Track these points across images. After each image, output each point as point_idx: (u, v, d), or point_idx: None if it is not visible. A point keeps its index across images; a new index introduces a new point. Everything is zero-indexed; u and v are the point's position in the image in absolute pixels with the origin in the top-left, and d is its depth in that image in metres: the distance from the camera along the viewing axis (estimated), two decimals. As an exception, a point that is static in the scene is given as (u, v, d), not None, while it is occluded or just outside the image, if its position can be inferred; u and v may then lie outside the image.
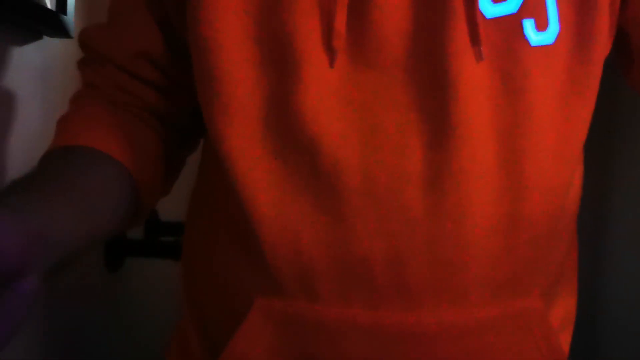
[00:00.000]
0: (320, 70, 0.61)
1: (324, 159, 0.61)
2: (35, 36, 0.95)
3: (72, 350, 1.10)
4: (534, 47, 0.61)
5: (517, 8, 0.61)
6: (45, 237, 0.54)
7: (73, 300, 1.09)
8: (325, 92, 0.61)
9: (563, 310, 0.72)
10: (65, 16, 0.99)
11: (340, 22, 0.60)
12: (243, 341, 0.67)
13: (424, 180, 0.61)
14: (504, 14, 0.61)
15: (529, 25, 0.61)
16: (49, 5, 0.97)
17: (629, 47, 0.67)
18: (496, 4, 0.60)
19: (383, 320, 0.63)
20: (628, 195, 1.97)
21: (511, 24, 0.61)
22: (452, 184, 0.61)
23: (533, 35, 0.61)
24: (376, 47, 0.60)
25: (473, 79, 0.60)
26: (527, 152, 0.62)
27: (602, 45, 0.64)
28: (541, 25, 0.61)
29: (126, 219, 0.70)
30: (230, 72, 0.63)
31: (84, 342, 1.15)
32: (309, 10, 0.61)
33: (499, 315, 0.65)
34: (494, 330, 0.65)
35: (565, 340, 0.72)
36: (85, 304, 1.14)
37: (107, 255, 1.22)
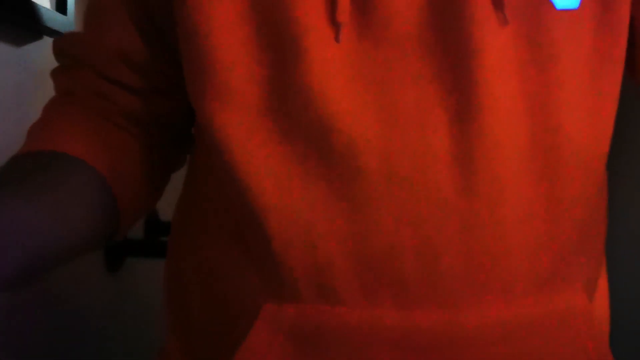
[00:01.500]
0: (325, 46, 0.56)
1: (336, 139, 0.55)
2: (35, 36, 0.95)
3: (72, 350, 1.10)
4: (559, 11, 0.56)
5: None
6: (6, 241, 0.51)
7: (73, 300, 1.09)
8: (332, 68, 0.56)
9: (604, 308, 0.66)
10: (65, 16, 0.99)
11: None
12: (248, 357, 0.58)
13: (452, 157, 0.55)
14: None
15: None
16: (49, 6, 0.97)
17: (633, 35, 0.63)
18: None
19: (415, 321, 0.56)
20: (628, 195, 1.97)
21: None
22: (483, 161, 0.55)
23: None
24: (386, 21, 0.56)
25: (498, 46, 0.55)
26: (561, 125, 0.57)
27: (624, 17, 0.60)
28: None
29: (103, 227, 0.64)
30: (224, 56, 0.58)
31: (84, 342, 1.15)
32: None
33: (544, 313, 0.58)
34: (539, 330, 0.58)
35: (607, 341, 0.65)
36: (85, 304, 1.14)
37: (107, 255, 1.22)
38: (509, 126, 0.55)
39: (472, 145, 0.55)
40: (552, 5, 0.56)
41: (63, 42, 0.70)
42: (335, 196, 0.56)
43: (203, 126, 0.60)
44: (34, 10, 0.91)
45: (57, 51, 0.70)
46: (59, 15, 0.98)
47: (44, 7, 0.95)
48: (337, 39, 0.56)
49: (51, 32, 0.94)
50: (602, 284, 0.67)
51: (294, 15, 0.56)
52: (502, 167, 0.55)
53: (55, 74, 0.71)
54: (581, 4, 0.57)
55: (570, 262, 0.59)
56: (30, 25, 0.92)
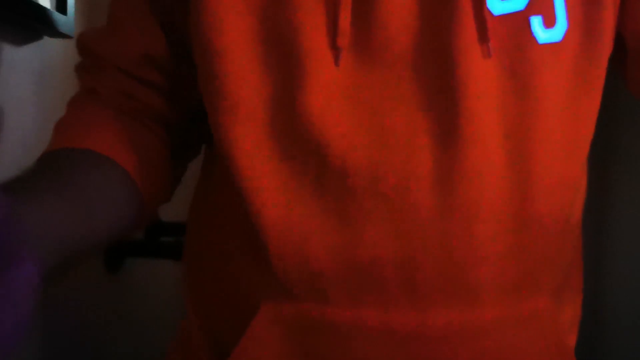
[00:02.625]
0: (326, 69, 0.60)
1: (331, 160, 0.61)
2: (35, 36, 0.95)
3: (73, 350, 1.10)
4: (541, 44, 0.60)
5: (524, 5, 0.60)
6: (38, 233, 0.52)
7: (73, 301, 1.09)
8: (332, 91, 0.60)
9: (571, 311, 0.71)
10: (65, 16, 0.99)
11: (345, 19, 0.60)
12: (250, 346, 0.65)
13: (434, 179, 0.60)
14: (511, 11, 0.60)
15: (536, 23, 0.60)
16: (49, 6, 0.97)
17: (627, 46, 0.67)
18: (504, 1, 0.60)
19: (393, 321, 0.63)
20: (628, 195, 1.97)
21: (519, 21, 0.60)
22: (462, 184, 0.60)
23: (541, 32, 0.60)
24: (382, 44, 0.60)
25: (481, 76, 0.59)
26: (535, 150, 0.61)
27: (608, 42, 0.63)
28: (549, 23, 0.61)
29: (127, 224, 0.68)
30: (235, 73, 0.62)
31: (85, 342, 1.15)
32: (313, 7, 0.60)
33: (510, 316, 0.64)
34: (504, 331, 0.64)
35: (572, 342, 0.71)
36: (85, 304, 1.14)
37: (107, 255, 1.22)
38: (487, 153, 0.60)
39: (451, 169, 0.60)
40: (533, 40, 0.60)
41: (87, 38, 0.73)
42: (327, 212, 0.61)
43: (215, 136, 0.64)
44: (34, 10, 0.91)
45: (82, 47, 0.73)
46: (59, 15, 0.98)
47: (44, 7, 0.95)
48: (336, 63, 0.60)
49: (51, 32, 0.94)
50: (571, 288, 0.71)
51: (298, 38, 0.60)
52: (478, 189, 0.60)
53: (79, 70, 0.74)
54: (565, 35, 0.61)
55: (536, 272, 0.64)
56: (30, 25, 0.92)
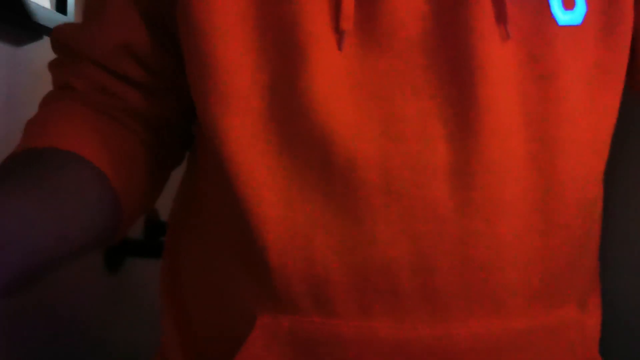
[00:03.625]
0: (328, 54, 0.55)
1: (337, 151, 0.55)
2: (35, 36, 0.95)
3: (72, 350, 1.10)
4: (561, 27, 0.56)
5: None
6: (6, 241, 0.49)
7: (73, 300, 1.09)
8: (335, 77, 0.55)
9: (596, 318, 0.66)
10: (65, 16, 0.99)
11: (349, 1, 0.55)
12: None
13: (451, 173, 0.55)
14: None
15: (555, 4, 0.56)
16: (48, 6, 0.97)
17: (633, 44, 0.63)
18: None
19: (408, 333, 0.56)
20: (628, 196, 1.97)
21: (537, 2, 0.56)
22: (481, 178, 0.55)
23: (560, 14, 0.56)
24: (390, 29, 0.55)
25: (500, 61, 0.55)
26: (558, 142, 0.57)
27: (628, 28, 0.60)
28: (568, 4, 0.57)
29: (105, 227, 0.63)
30: (228, 58, 0.57)
31: (84, 342, 1.15)
32: None
33: (536, 327, 0.59)
34: (530, 344, 0.59)
35: (597, 351, 0.66)
36: (85, 304, 1.14)
37: (107, 255, 1.22)
38: (507, 142, 0.55)
39: (470, 161, 0.55)
40: (552, 21, 0.56)
41: (60, 33, 0.68)
42: (334, 209, 0.56)
43: (205, 128, 0.59)
44: (34, 10, 0.91)
45: (55, 43, 0.68)
46: (59, 15, 0.98)
47: (44, 7, 0.95)
48: (339, 48, 0.55)
49: (51, 32, 0.94)
50: (595, 293, 0.67)
51: (298, 21, 0.55)
52: (499, 183, 0.55)
53: (53, 66, 0.69)
54: (585, 18, 0.57)
55: (563, 277, 0.59)
56: (30, 25, 0.92)
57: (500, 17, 0.55)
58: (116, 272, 1.24)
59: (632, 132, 1.92)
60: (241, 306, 0.60)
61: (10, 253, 0.50)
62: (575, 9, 0.57)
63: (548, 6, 0.56)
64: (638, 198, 1.94)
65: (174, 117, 0.69)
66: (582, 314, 0.62)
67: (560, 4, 0.56)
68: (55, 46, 0.69)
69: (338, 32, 0.55)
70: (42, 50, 0.95)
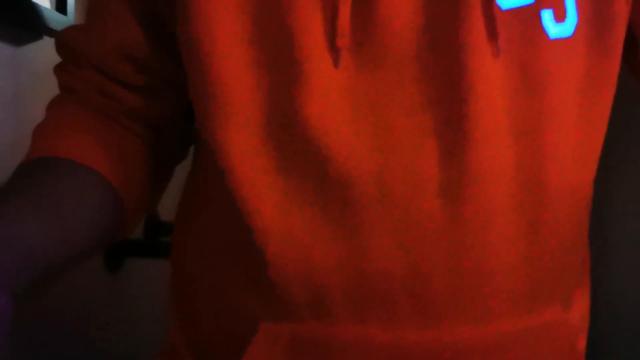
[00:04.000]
0: (325, 72, 0.56)
1: (334, 167, 0.57)
2: (35, 36, 0.95)
3: (72, 350, 1.10)
4: (552, 40, 0.57)
5: None
6: (13, 251, 0.51)
7: (73, 300, 1.09)
8: (332, 94, 0.57)
9: (580, 311, 0.68)
10: (65, 16, 0.99)
11: (344, 18, 0.56)
12: None
13: (442, 187, 0.57)
14: (521, 5, 0.57)
15: (547, 17, 0.57)
16: (49, 5, 0.97)
17: (635, 34, 0.64)
18: None
19: (402, 338, 0.59)
20: (628, 196, 1.97)
21: (529, 16, 0.57)
22: (471, 191, 0.57)
23: (552, 27, 0.57)
24: (385, 43, 0.56)
25: (491, 76, 0.56)
26: (547, 154, 0.58)
27: (620, 37, 0.60)
28: (559, 16, 0.57)
29: (109, 231, 0.65)
30: (227, 76, 0.58)
31: (84, 342, 1.15)
32: (310, 5, 0.56)
33: (522, 329, 0.61)
34: (518, 345, 0.61)
35: (582, 344, 0.69)
36: (85, 304, 1.14)
37: (107, 255, 1.22)
38: (497, 158, 0.57)
39: (460, 175, 0.57)
40: (544, 35, 0.57)
41: (65, 36, 0.69)
42: (331, 222, 0.58)
43: (205, 140, 0.60)
44: (34, 10, 0.91)
45: (59, 45, 0.70)
46: (59, 15, 0.98)
47: (44, 7, 0.95)
48: (336, 65, 0.56)
49: (51, 32, 0.94)
50: (581, 287, 0.68)
51: (294, 38, 0.56)
52: (489, 197, 0.57)
53: (58, 69, 0.70)
54: (575, 31, 0.58)
55: (550, 280, 0.61)
56: (30, 25, 0.92)
57: (492, 33, 0.56)
58: (116, 272, 1.24)
59: (632, 132, 1.92)
60: (244, 310, 0.61)
61: (21, 266, 0.52)
62: (566, 21, 0.57)
63: (539, 19, 0.57)
64: (638, 198, 1.94)
65: (174, 117, 0.70)
66: (566, 312, 0.64)
67: (552, 16, 0.57)
68: (59, 49, 0.70)
69: (334, 49, 0.56)
70: (42, 50, 0.95)
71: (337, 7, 0.56)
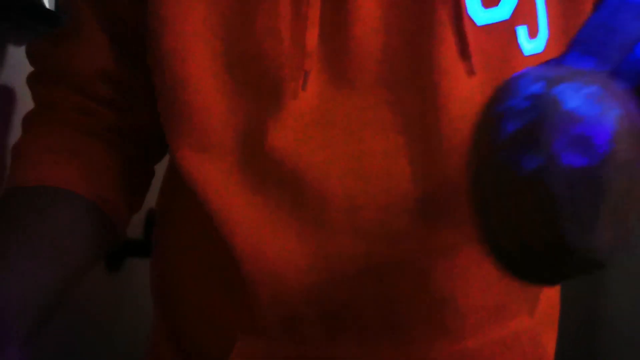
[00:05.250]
0: (295, 95, 0.56)
1: (307, 192, 0.57)
2: (35, 36, 0.95)
3: (72, 350, 1.10)
4: (527, 56, 0.57)
5: (509, 14, 0.56)
6: (10, 306, 0.52)
7: (73, 300, 1.09)
8: (304, 117, 0.57)
9: (545, 309, 0.68)
10: (65, 16, 0.99)
11: (312, 40, 0.55)
12: None
13: (415, 211, 0.57)
14: (496, 21, 0.56)
15: (522, 33, 0.57)
16: (48, 5, 0.97)
17: None
18: (488, 9, 0.56)
19: (373, 356, 0.60)
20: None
21: (504, 32, 0.57)
22: (444, 215, 0.57)
23: (526, 43, 0.57)
24: (355, 65, 0.56)
25: (465, 95, 0.56)
26: None
27: None
28: (533, 32, 0.57)
29: (103, 247, 0.67)
30: (201, 103, 0.58)
31: (84, 341, 1.15)
32: (278, 29, 0.56)
33: (491, 342, 0.63)
34: (487, 354, 0.63)
35: (551, 342, 0.69)
36: (85, 304, 1.14)
37: (107, 255, 1.22)
38: None
39: (433, 200, 0.57)
40: (519, 52, 0.57)
41: (39, 50, 0.69)
42: (303, 248, 0.58)
43: (179, 166, 0.60)
44: (34, 10, 0.91)
45: (34, 58, 0.70)
46: (59, 15, 0.98)
47: (44, 7, 0.95)
48: (304, 88, 0.56)
49: (51, 32, 0.94)
50: (547, 292, 0.69)
51: (263, 63, 0.56)
52: (463, 221, 0.56)
53: (32, 81, 0.70)
54: (546, 46, 0.58)
55: (518, 294, 0.63)
56: (30, 25, 0.92)
57: (464, 53, 0.55)
58: (116, 272, 1.24)
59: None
60: (225, 326, 0.63)
61: (20, 314, 0.53)
62: (538, 36, 0.58)
63: (515, 36, 0.57)
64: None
65: (154, 127, 0.70)
66: (532, 316, 0.65)
67: (527, 33, 0.57)
68: (33, 61, 0.70)
69: (302, 71, 0.56)
70: (42, 50, 0.95)
71: (305, 29, 0.55)
